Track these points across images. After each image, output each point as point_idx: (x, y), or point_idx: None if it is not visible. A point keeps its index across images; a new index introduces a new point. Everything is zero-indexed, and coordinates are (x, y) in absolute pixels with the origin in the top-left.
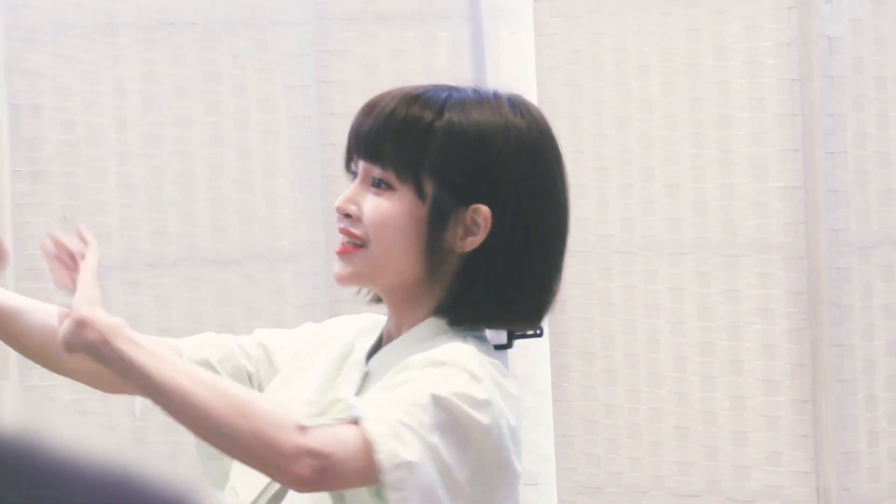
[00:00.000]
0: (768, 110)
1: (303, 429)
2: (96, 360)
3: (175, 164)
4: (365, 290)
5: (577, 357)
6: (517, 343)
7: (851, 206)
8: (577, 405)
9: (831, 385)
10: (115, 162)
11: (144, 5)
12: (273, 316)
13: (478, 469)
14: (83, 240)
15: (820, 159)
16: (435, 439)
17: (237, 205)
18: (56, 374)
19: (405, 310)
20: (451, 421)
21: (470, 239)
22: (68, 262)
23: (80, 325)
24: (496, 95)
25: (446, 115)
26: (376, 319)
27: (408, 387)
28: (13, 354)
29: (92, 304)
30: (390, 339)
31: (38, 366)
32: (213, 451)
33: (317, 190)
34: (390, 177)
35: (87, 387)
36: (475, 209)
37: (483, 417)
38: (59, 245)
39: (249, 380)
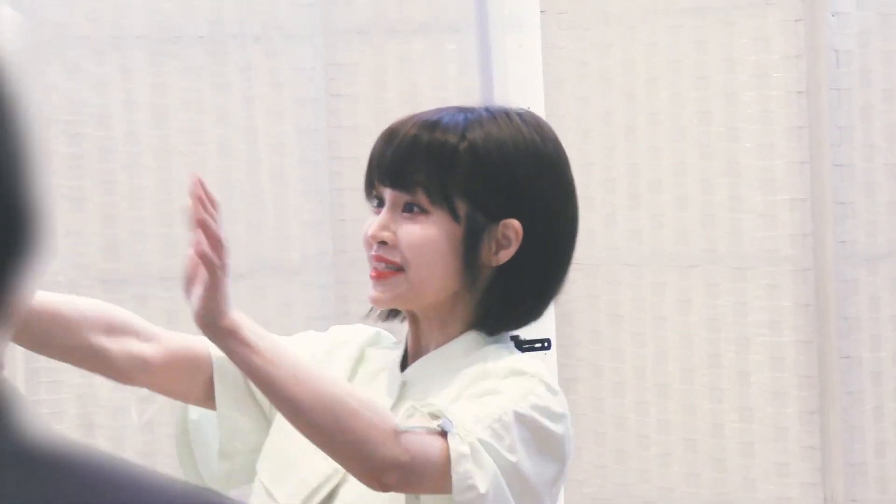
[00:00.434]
0: (776, 122)
1: (397, 434)
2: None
3: (184, 177)
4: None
5: (586, 369)
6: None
7: (859, 218)
8: (586, 417)
9: (839, 396)
10: (124, 175)
11: (154, 19)
12: (281, 328)
13: (556, 477)
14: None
15: (827, 171)
16: (516, 457)
17: (246, 217)
18: (62, 389)
19: (438, 324)
20: (533, 436)
21: (503, 252)
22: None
23: (208, 329)
24: (507, 112)
25: (468, 137)
26: (376, 331)
27: (493, 400)
28: (20, 368)
29: (214, 311)
30: (418, 351)
31: (44, 380)
32: (227, 449)
33: (325, 203)
34: (422, 201)
35: (94, 401)
36: (506, 224)
37: (558, 429)
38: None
39: None
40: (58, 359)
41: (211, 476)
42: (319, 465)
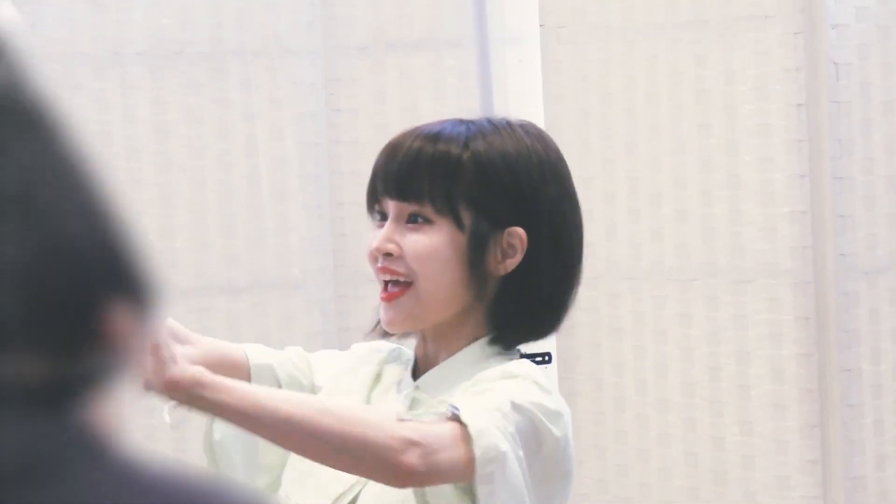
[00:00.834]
0: (776, 135)
1: (401, 421)
2: (197, 411)
3: (185, 192)
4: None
5: (586, 383)
6: None
7: (859, 231)
8: (587, 431)
9: (839, 409)
10: (125, 190)
11: (154, 35)
12: (282, 343)
13: (542, 476)
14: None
15: (827, 184)
16: (516, 444)
17: (246, 232)
18: None
19: (447, 336)
20: (529, 427)
21: (508, 261)
22: None
23: (167, 389)
24: (509, 123)
25: (471, 147)
26: (395, 348)
27: (488, 395)
28: None
29: (165, 364)
30: (428, 363)
31: None
32: (265, 462)
33: (326, 218)
34: (427, 211)
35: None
36: (510, 232)
37: (555, 429)
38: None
39: (301, 389)
40: None
41: None
42: (341, 474)
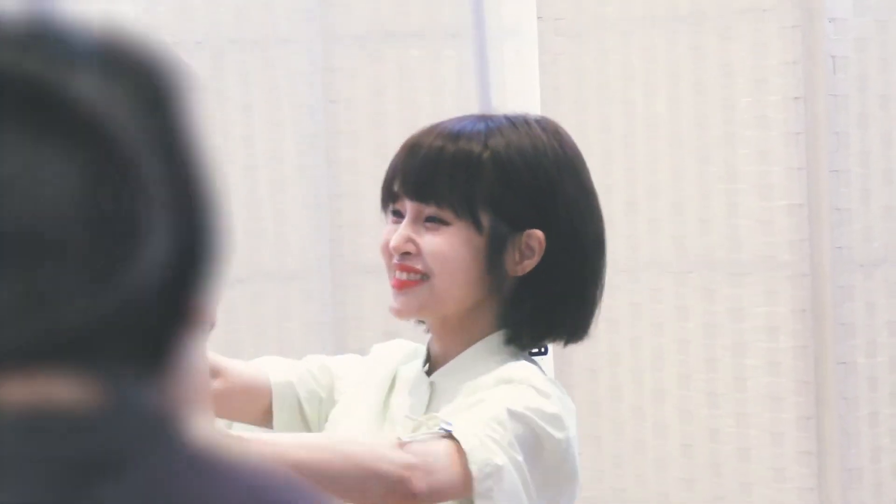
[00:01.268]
0: (773, 128)
1: (401, 445)
2: None
3: None
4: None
5: (583, 374)
6: None
7: (855, 224)
8: (582, 422)
9: (835, 402)
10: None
11: (150, 24)
12: (279, 334)
13: (546, 480)
14: None
15: (824, 177)
16: (515, 452)
17: (244, 223)
18: None
19: (457, 332)
20: (528, 433)
21: (526, 262)
22: None
23: None
24: (526, 120)
25: (491, 146)
26: (414, 347)
27: (484, 405)
28: None
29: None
30: (440, 358)
31: None
32: None
33: (323, 208)
34: (446, 213)
35: None
36: (529, 234)
37: (555, 431)
38: None
39: (320, 403)
40: None
41: None
42: None
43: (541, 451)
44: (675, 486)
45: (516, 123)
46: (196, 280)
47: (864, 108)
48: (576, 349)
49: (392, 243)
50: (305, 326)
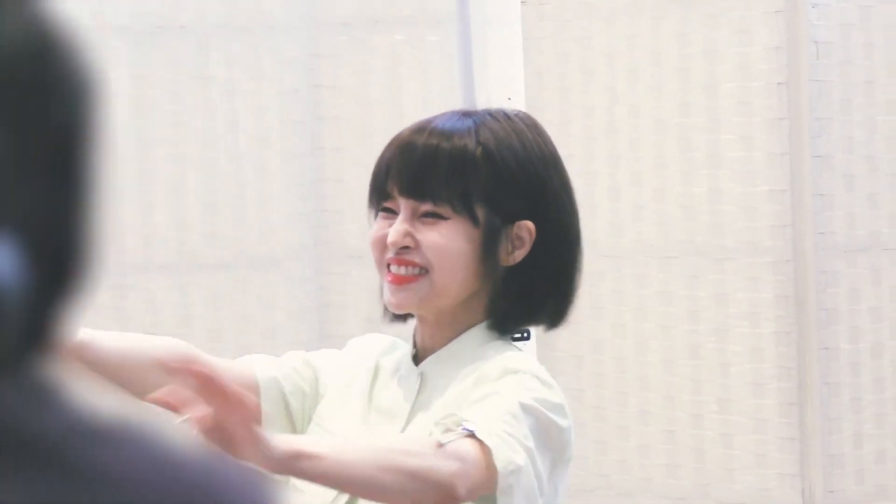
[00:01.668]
0: (756, 114)
1: (443, 449)
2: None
3: (167, 168)
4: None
5: (566, 360)
6: None
7: (838, 210)
8: None
9: (817, 388)
10: (106, 165)
11: (137, 10)
12: (263, 320)
13: (553, 466)
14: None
15: (807, 163)
16: (530, 443)
17: (228, 209)
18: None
19: (448, 322)
20: (538, 425)
21: (517, 252)
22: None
23: (266, 467)
24: (507, 115)
25: (482, 143)
26: (391, 340)
27: (495, 398)
28: None
29: (259, 443)
30: (428, 348)
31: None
32: None
33: (308, 195)
34: (444, 209)
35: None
36: (519, 225)
37: (560, 420)
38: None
39: (304, 397)
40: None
41: None
42: None
43: (549, 440)
44: (659, 472)
45: (499, 118)
46: (57, 298)
47: (848, 93)
48: (559, 335)
49: (390, 238)
50: (290, 312)
